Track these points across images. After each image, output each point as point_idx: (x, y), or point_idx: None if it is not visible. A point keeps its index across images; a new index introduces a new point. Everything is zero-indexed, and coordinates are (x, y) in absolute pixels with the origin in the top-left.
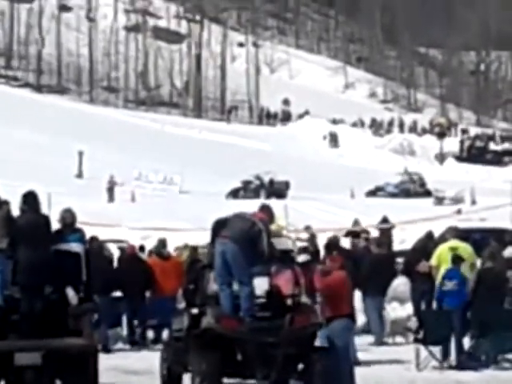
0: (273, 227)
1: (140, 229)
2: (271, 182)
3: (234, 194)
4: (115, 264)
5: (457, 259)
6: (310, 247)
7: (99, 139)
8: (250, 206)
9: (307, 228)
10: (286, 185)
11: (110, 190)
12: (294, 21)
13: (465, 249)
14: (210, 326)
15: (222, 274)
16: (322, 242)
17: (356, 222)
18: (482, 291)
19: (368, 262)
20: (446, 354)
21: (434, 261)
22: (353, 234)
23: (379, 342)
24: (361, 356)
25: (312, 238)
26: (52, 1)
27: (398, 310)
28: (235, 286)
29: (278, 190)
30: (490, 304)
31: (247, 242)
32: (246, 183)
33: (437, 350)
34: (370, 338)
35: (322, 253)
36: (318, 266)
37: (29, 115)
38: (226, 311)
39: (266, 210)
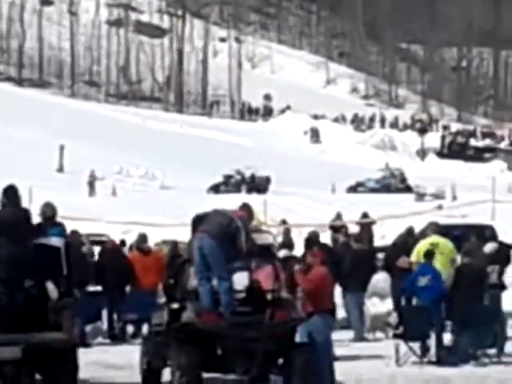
0: (253, 222)
1: (120, 223)
2: (252, 177)
3: (215, 188)
4: (95, 258)
5: (429, 254)
6: (285, 240)
7: (80, 133)
8: (231, 200)
9: (283, 222)
10: (267, 180)
11: (91, 185)
12: (276, 16)
13: (445, 244)
14: (189, 321)
15: (201, 269)
16: (302, 236)
17: (338, 216)
18: (461, 287)
19: (348, 258)
20: (425, 350)
21: (414, 256)
22: (334, 228)
23: (359, 338)
24: (341, 351)
25: (287, 232)
26: None
27: (378, 305)
28: (214, 281)
29: (259, 184)
30: (469, 300)
31: (225, 237)
32: (227, 178)
33: (416, 345)
34: (350, 334)
35: (300, 247)
36: (297, 261)
37: (10, 109)
38: (206, 306)
39: (245, 208)
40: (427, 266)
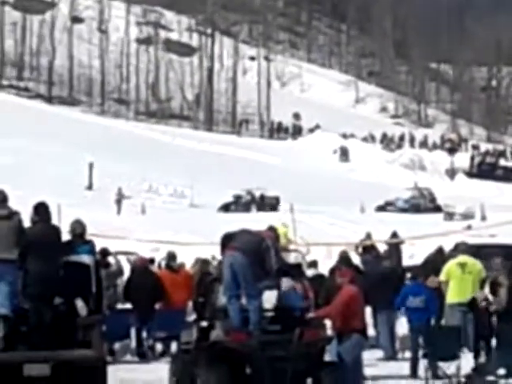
0: (283, 241)
1: (149, 241)
2: (262, 197)
3: (226, 208)
4: (126, 276)
5: (416, 275)
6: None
7: (110, 151)
8: (255, 218)
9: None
10: (277, 200)
11: (118, 203)
12: (306, 35)
13: (474, 264)
14: (218, 339)
15: (231, 286)
16: (331, 255)
17: (368, 236)
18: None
19: (377, 276)
20: (457, 370)
21: (443, 276)
22: (363, 247)
23: (388, 357)
24: (370, 371)
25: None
26: (64, 12)
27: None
28: (243, 300)
29: (268, 204)
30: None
31: (256, 256)
32: (237, 198)
33: (446, 365)
34: (379, 353)
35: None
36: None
37: (40, 126)
38: (235, 325)
39: (272, 230)
40: (418, 286)
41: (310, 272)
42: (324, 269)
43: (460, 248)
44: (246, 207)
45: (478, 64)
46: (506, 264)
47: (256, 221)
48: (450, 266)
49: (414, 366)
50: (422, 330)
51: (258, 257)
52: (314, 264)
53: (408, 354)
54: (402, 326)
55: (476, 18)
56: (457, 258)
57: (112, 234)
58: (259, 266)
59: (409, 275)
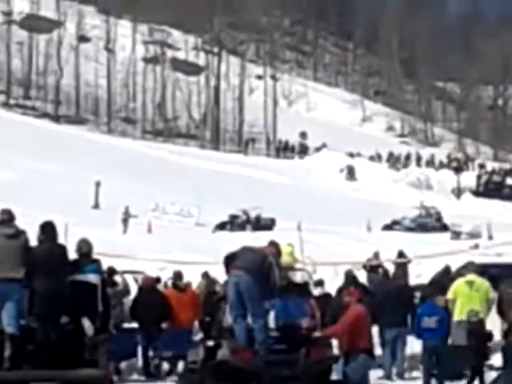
0: (289, 259)
1: (156, 260)
2: (258, 218)
3: (221, 227)
4: (132, 295)
5: (426, 296)
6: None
7: (116, 170)
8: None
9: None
10: (272, 221)
11: (125, 222)
12: (312, 54)
13: (481, 284)
14: (225, 359)
15: (236, 306)
16: (338, 275)
17: (376, 255)
18: None
19: (384, 295)
20: None
21: (450, 294)
22: (370, 267)
23: (387, 376)
24: None
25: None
26: (71, 31)
27: (416, 344)
28: (249, 319)
29: (264, 226)
30: None
31: (260, 273)
32: (233, 217)
33: None
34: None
35: (335, 286)
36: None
37: (46, 145)
38: (242, 344)
39: (273, 245)
40: (432, 305)
41: (316, 291)
42: (331, 288)
43: (469, 267)
44: (241, 227)
45: (484, 83)
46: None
47: (258, 239)
48: (458, 284)
49: None
50: (435, 350)
51: (263, 274)
52: (320, 283)
53: (415, 374)
54: (411, 346)
55: (482, 36)
56: (465, 276)
57: (118, 253)
58: (264, 284)
59: (417, 294)
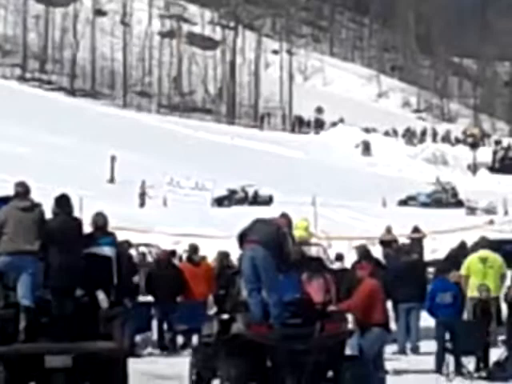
0: (304, 234)
1: (171, 234)
2: (255, 194)
3: (219, 202)
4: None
5: (441, 271)
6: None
7: (132, 144)
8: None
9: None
10: (270, 198)
11: (142, 196)
12: (329, 29)
13: (494, 259)
14: (239, 332)
15: (252, 279)
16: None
17: (388, 230)
18: None
19: (398, 270)
20: (477, 364)
21: (463, 270)
22: (384, 242)
23: (401, 351)
24: (391, 365)
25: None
26: (87, 5)
27: (429, 318)
28: (264, 293)
29: (261, 203)
30: None
31: (275, 245)
32: (232, 192)
33: (467, 360)
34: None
35: (350, 260)
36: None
37: (62, 119)
38: (256, 318)
39: (285, 217)
40: (448, 281)
41: (335, 265)
42: (346, 262)
43: (481, 243)
44: (238, 203)
45: (501, 59)
46: None
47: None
48: (471, 260)
49: (439, 361)
50: (450, 325)
51: (278, 246)
52: (340, 257)
53: (428, 348)
54: (425, 321)
55: (499, 12)
56: (478, 252)
57: (134, 227)
58: (279, 256)
59: (431, 269)
